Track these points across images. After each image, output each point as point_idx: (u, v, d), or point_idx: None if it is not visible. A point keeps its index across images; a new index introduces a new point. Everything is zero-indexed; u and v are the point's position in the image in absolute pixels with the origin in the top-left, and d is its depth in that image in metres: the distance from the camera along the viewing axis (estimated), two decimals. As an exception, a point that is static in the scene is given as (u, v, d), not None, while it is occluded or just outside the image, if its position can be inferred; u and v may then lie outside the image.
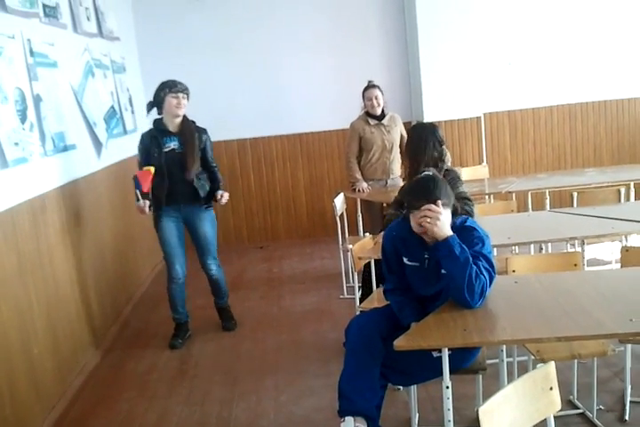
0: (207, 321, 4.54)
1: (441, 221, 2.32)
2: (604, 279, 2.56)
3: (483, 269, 2.31)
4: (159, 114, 4.08)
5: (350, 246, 3.44)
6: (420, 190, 2.41)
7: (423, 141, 3.53)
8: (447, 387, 2.17)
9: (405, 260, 2.58)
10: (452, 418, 2.19)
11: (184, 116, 4.08)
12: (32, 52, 3.61)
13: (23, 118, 3.39)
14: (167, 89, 3.97)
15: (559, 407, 1.74)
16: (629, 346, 2.90)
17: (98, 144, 4.63)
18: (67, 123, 4.05)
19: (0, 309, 2.92)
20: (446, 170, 3.55)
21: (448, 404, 2.17)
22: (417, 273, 2.57)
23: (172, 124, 4.06)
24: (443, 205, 2.35)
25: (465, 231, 2.43)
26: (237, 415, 3.23)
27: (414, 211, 2.38)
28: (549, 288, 2.47)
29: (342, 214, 4.95)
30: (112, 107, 5.05)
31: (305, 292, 5.10)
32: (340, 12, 6.43)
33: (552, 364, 1.74)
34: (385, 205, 5.16)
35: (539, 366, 1.73)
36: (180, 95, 4.00)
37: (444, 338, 2.11)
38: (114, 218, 4.90)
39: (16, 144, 3.26)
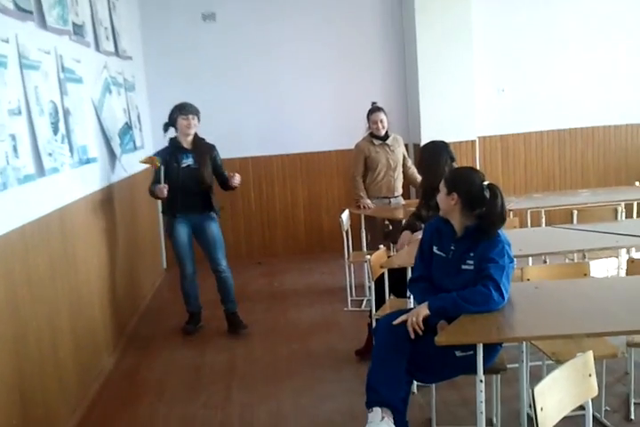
0: (217, 331, 4.66)
1: None
2: (618, 285, 2.77)
3: (481, 287, 2.51)
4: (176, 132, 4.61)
5: (368, 257, 3.61)
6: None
7: (437, 156, 3.77)
8: (481, 381, 2.33)
9: (435, 249, 2.80)
10: (484, 410, 2.35)
11: (195, 134, 4.57)
12: (63, 68, 3.75)
13: (56, 130, 3.52)
14: (178, 111, 4.47)
15: (597, 393, 1.92)
16: (632, 350, 3.10)
17: (113, 158, 4.76)
18: (89, 136, 4.18)
19: (36, 311, 3.02)
20: None
21: (481, 396, 2.34)
22: (441, 264, 2.77)
23: (186, 142, 4.57)
24: None
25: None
26: (260, 417, 3.34)
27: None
28: (568, 292, 2.67)
29: (347, 230, 5.13)
30: (126, 123, 5.20)
31: (309, 305, 5.23)
32: (342, 38, 6.68)
33: (590, 353, 1.93)
34: (387, 222, 5.38)
35: (578, 354, 1.91)
36: (190, 117, 4.49)
37: (479, 334, 2.28)
38: (123, 230, 4.99)
39: (50, 155, 3.38)
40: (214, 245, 4.60)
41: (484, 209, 2.66)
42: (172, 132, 4.62)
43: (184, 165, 4.48)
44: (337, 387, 3.61)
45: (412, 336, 2.57)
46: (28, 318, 2.91)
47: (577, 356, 1.91)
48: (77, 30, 4.11)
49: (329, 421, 3.24)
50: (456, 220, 2.74)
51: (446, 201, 2.74)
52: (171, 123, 4.53)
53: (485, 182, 2.70)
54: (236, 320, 4.63)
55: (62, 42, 3.80)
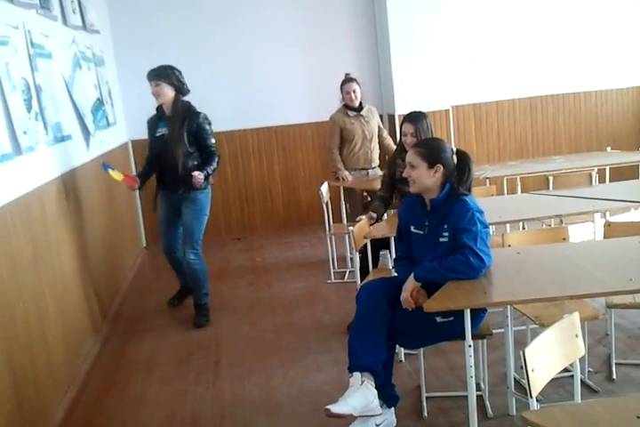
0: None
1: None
2: (597, 248, 2.83)
3: (459, 255, 2.53)
4: None
5: (351, 228, 3.63)
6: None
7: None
8: (470, 346, 2.39)
9: (412, 228, 2.84)
10: (473, 374, 2.41)
11: (179, 101, 4.15)
12: (32, 43, 3.65)
13: (29, 108, 3.45)
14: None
15: (583, 353, 1.98)
16: (612, 311, 3.19)
17: (87, 135, 4.68)
18: (62, 114, 4.10)
19: (22, 296, 2.99)
20: None
21: (470, 361, 2.39)
22: (419, 241, 2.81)
23: (167, 109, 4.18)
24: None
25: (458, 202, 2.68)
26: (251, 391, 3.38)
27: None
28: (550, 257, 2.72)
29: (327, 203, 5.15)
30: (98, 99, 5.10)
31: (292, 278, 5.26)
32: (313, 8, 6.61)
33: (576, 314, 1.98)
34: (365, 194, 5.40)
35: (564, 316, 1.97)
36: (152, 83, 4.11)
37: (467, 300, 2.32)
38: (102, 209, 4.95)
39: (24, 133, 3.32)
40: (183, 232, 4.30)
41: (455, 174, 2.72)
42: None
43: (158, 134, 4.14)
44: (324, 358, 3.66)
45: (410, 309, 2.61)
46: (14, 302, 2.89)
47: (563, 317, 1.96)
48: (44, 4, 4.00)
49: (318, 390, 3.29)
50: (434, 193, 2.74)
51: (428, 175, 2.69)
52: None
53: (454, 148, 2.77)
54: (199, 313, 4.41)
55: (30, 16, 3.70)
